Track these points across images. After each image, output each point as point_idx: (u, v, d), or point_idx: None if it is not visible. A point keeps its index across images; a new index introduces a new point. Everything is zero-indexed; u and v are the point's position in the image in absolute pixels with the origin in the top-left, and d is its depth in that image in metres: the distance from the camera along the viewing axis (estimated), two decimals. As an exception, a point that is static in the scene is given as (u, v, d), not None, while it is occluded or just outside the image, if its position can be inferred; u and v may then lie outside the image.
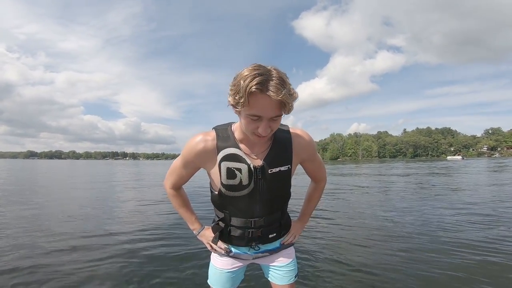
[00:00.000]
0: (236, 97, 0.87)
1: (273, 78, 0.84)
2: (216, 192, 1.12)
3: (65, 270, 2.93)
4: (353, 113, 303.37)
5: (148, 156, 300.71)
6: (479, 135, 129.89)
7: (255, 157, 1.06)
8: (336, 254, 3.35)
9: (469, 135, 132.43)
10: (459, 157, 78.49)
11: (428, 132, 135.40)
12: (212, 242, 1.22)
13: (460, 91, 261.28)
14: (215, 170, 1.07)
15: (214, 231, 1.21)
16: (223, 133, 1.07)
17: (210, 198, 1.20)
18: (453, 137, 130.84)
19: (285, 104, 0.87)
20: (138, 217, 5.68)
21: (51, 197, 8.52)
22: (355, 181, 13.57)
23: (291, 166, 1.10)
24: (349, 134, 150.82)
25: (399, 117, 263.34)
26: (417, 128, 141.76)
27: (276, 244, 1.26)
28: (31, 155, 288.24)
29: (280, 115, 0.92)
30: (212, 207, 1.22)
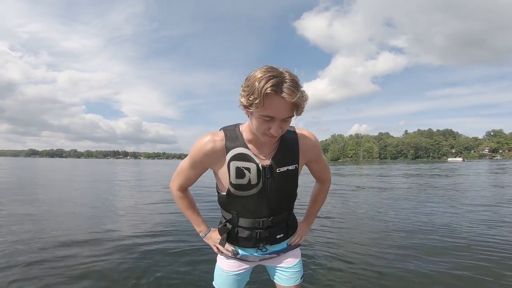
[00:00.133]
0: (251, 98, 0.88)
1: (287, 80, 0.86)
2: (224, 193, 1.12)
3: (65, 266, 2.94)
4: (354, 114, 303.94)
5: (149, 156, 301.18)
6: (480, 137, 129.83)
7: (263, 157, 1.08)
8: (338, 253, 3.36)
9: (470, 137, 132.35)
10: (460, 159, 78.29)
11: (430, 133, 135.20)
12: (219, 244, 1.22)
13: (462, 92, 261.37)
14: (223, 170, 1.08)
15: (221, 232, 1.21)
16: (232, 134, 1.09)
17: (217, 199, 1.21)
18: (454, 139, 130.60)
19: (298, 106, 0.91)
20: (139, 216, 5.69)
21: (52, 195, 8.55)
22: (355, 181, 13.56)
23: (298, 166, 1.11)
24: (350, 135, 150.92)
25: (401, 119, 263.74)
26: (419, 130, 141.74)
27: (283, 245, 1.26)
28: (32, 153, 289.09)
29: (292, 116, 0.94)
30: (215, 209, 1.22)
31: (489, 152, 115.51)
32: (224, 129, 1.12)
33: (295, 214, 1.32)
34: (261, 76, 0.86)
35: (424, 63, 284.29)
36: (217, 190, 1.21)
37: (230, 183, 1.07)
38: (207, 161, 1.09)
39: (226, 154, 1.06)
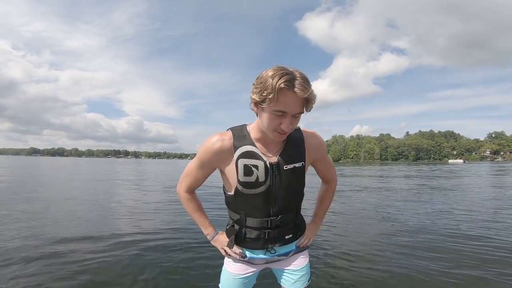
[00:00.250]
0: (264, 94, 0.91)
1: (298, 77, 0.90)
2: (231, 193, 1.13)
3: (64, 263, 2.98)
4: (355, 115, 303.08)
5: (150, 155, 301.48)
6: (482, 139, 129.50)
7: (271, 155, 1.09)
8: (340, 252, 3.39)
9: (472, 138, 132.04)
10: (461, 161, 78.18)
11: (431, 135, 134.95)
12: (227, 246, 1.22)
13: (464, 94, 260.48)
14: (231, 168, 1.09)
15: (229, 234, 1.21)
16: (239, 133, 1.11)
17: (224, 200, 1.22)
18: (456, 141, 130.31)
19: (309, 102, 0.95)
20: (141, 215, 5.73)
21: (53, 194, 8.61)
22: (356, 182, 13.56)
23: (304, 163, 1.12)
24: (351, 136, 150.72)
25: (402, 120, 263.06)
26: (420, 131, 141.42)
27: (292, 246, 1.26)
28: (33, 152, 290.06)
29: (302, 113, 0.98)
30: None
31: (490, 154, 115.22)
32: (232, 129, 1.14)
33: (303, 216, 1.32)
34: (273, 74, 0.89)
35: (426, 64, 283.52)
36: (224, 192, 1.21)
37: (238, 181, 1.08)
38: (216, 160, 1.10)
39: (234, 152, 1.07)
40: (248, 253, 1.23)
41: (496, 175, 19.10)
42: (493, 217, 5.35)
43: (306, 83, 0.91)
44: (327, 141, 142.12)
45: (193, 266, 2.95)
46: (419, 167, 36.54)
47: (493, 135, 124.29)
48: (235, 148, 1.08)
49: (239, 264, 1.25)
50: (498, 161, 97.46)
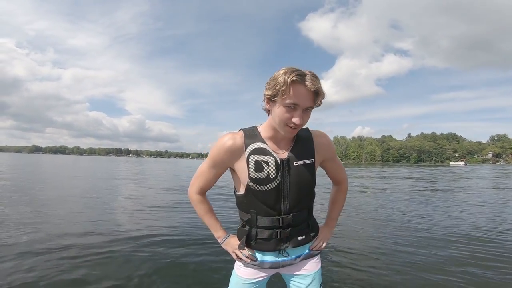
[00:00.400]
0: (277, 87, 0.97)
1: (308, 73, 0.98)
2: (242, 192, 1.14)
3: (65, 267, 2.97)
4: (357, 116, 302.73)
5: (151, 154, 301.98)
6: (484, 141, 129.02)
7: (281, 152, 1.12)
8: (343, 251, 3.39)
9: (474, 141, 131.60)
10: (462, 163, 77.91)
11: (433, 137, 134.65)
12: (238, 248, 1.21)
13: (467, 96, 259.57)
14: (243, 166, 1.11)
15: (240, 235, 1.21)
16: (250, 132, 1.14)
17: (235, 202, 1.22)
18: (458, 143, 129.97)
19: (318, 95, 1.01)
20: (146, 215, 5.73)
21: (55, 191, 8.62)
22: (358, 182, 13.53)
23: (314, 160, 1.14)
24: (353, 138, 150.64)
25: (404, 122, 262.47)
26: (422, 133, 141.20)
27: (305, 248, 1.24)
28: (36, 149, 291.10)
29: (312, 107, 1.02)
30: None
31: (492, 156, 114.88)
32: (243, 129, 1.17)
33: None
34: (285, 71, 0.97)
35: (429, 66, 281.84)
36: (235, 193, 1.22)
37: (249, 177, 1.09)
38: (228, 158, 1.12)
39: (245, 149, 1.10)
40: (259, 256, 1.21)
41: (498, 177, 19.01)
42: (497, 218, 5.33)
43: (316, 78, 0.98)
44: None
45: (200, 269, 2.92)
46: (421, 169, 36.47)
47: (496, 138, 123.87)
48: (246, 145, 1.10)
49: (249, 269, 1.23)
50: (500, 163, 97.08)
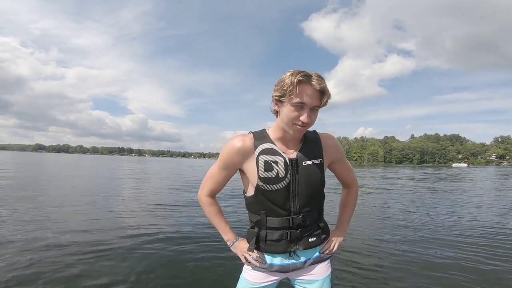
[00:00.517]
0: (284, 88, 1.01)
1: (313, 74, 1.02)
2: (251, 194, 1.15)
3: (65, 263, 2.98)
4: (360, 117, 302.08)
5: (154, 153, 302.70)
6: (488, 143, 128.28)
7: (290, 152, 1.14)
8: (347, 252, 3.38)
9: (478, 142, 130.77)
10: (465, 165, 77.41)
11: (436, 138, 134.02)
12: (248, 250, 1.21)
13: (471, 97, 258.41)
14: (252, 166, 1.12)
15: (249, 237, 1.21)
16: (259, 134, 1.17)
17: (244, 205, 1.23)
18: (461, 144, 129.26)
19: (324, 94, 1.04)
20: (146, 214, 5.75)
21: (60, 191, 8.66)
22: (361, 183, 13.47)
23: (322, 161, 1.16)
24: (355, 138, 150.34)
25: (407, 123, 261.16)
26: (425, 134, 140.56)
27: (315, 251, 1.23)
28: (39, 148, 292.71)
29: (319, 106, 1.05)
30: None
31: (496, 158, 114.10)
32: (252, 132, 1.20)
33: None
34: (292, 73, 1.01)
35: (432, 67, 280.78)
36: (244, 196, 1.23)
37: (259, 177, 1.10)
38: (238, 159, 1.14)
39: (255, 150, 1.12)
40: (268, 259, 1.20)
41: (499, 179, 18.88)
42: (499, 219, 5.30)
43: (321, 78, 1.02)
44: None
45: (199, 268, 2.92)
46: (424, 170, 36.31)
47: (499, 139, 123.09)
48: (256, 146, 1.12)
49: (258, 272, 1.22)
50: (503, 165, 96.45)
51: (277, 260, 1.20)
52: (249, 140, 1.14)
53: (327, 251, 1.26)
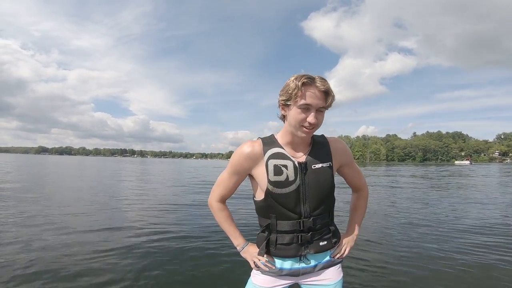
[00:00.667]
0: (289, 91, 1.03)
1: (316, 77, 1.05)
2: (261, 198, 1.15)
3: (65, 263, 2.98)
4: (361, 116, 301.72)
5: (156, 154, 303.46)
6: (491, 140, 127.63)
7: (299, 156, 1.15)
8: (353, 249, 3.35)
9: (481, 140, 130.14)
10: (467, 162, 77.10)
11: (439, 136, 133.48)
12: (258, 254, 1.21)
13: (473, 95, 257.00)
14: (262, 171, 1.13)
15: (259, 241, 1.21)
16: (268, 140, 1.18)
17: (254, 210, 1.23)
18: (464, 142, 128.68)
19: (328, 94, 1.05)
20: (148, 214, 5.75)
21: (61, 194, 8.69)
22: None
23: (331, 164, 1.16)
24: (357, 137, 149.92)
25: (409, 121, 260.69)
26: (427, 132, 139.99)
27: (326, 255, 1.23)
28: (42, 150, 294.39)
29: (325, 107, 1.07)
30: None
31: (499, 155, 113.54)
32: (261, 137, 1.21)
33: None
34: (296, 77, 1.04)
35: (434, 65, 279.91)
36: (254, 201, 1.23)
37: (269, 181, 1.11)
38: (248, 164, 1.15)
39: (264, 155, 1.13)
40: (278, 263, 1.20)
41: (499, 176, 18.78)
42: (503, 214, 5.27)
43: (324, 80, 1.05)
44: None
45: (214, 274, 2.86)
46: (426, 168, 36.19)
47: (502, 137, 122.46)
48: (265, 151, 1.13)
49: (267, 277, 1.21)
50: (506, 162, 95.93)
51: (287, 264, 1.19)
52: (258, 146, 1.14)
53: (338, 256, 1.25)
